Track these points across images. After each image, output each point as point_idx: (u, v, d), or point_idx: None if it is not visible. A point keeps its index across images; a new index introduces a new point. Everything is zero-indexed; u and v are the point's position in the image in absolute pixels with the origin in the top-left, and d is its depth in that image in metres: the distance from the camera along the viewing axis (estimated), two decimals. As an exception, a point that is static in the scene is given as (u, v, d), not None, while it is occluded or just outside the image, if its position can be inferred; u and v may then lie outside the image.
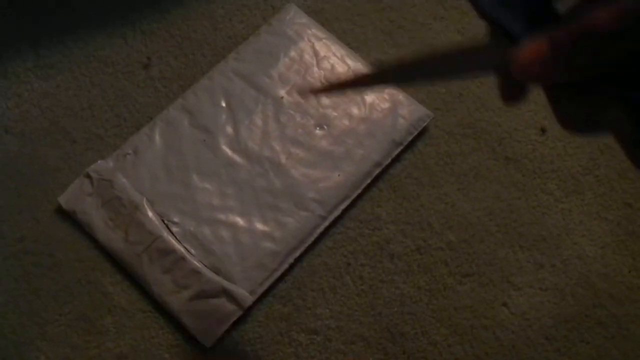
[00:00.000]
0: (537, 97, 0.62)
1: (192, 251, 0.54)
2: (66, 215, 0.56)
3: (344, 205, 0.56)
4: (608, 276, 0.56)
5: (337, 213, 0.56)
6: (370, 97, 0.60)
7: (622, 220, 0.58)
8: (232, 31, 0.64)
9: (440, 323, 0.54)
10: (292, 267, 0.55)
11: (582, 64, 0.22)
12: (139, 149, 0.57)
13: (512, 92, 0.28)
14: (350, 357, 0.53)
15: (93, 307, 0.54)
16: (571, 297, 0.55)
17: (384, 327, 0.54)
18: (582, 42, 0.21)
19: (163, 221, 0.55)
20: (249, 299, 0.53)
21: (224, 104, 0.59)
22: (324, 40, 0.62)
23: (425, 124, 0.59)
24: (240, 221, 0.55)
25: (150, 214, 0.55)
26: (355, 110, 0.59)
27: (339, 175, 0.57)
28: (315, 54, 0.62)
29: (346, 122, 0.59)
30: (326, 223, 0.56)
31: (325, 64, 0.61)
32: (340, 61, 0.61)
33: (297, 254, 0.55)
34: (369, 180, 0.57)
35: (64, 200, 0.56)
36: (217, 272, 0.53)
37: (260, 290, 0.53)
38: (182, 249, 0.54)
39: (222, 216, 0.55)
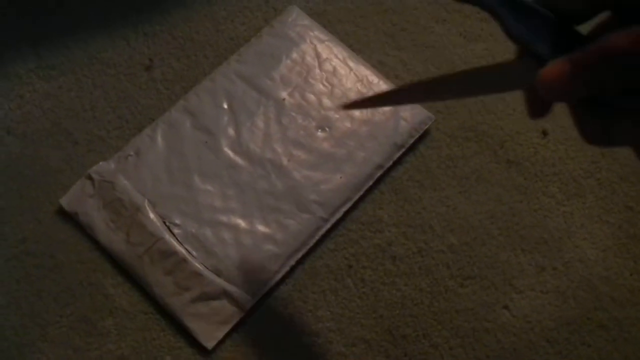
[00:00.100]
0: (538, 100, 0.62)
1: (194, 253, 0.54)
2: (68, 217, 0.56)
3: (345, 208, 0.56)
4: (609, 279, 0.56)
5: (338, 215, 0.56)
6: (372, 99, 0.60)
7: (624, 223, 0.58)
8: (234, 33, 0.64)
9: (442, 325, 0.54)
10: (293, 269, 0.55)
11: (601, 83, 0.24)
12: (140, 151, 0.57)
13: (538, 108, 0.30)
14: (352, 359, 0.53)
15: (94, 308, 0.54)
16: (573, 300, 0.55)
17: (386, 330, 0.54)
18: (601, 64, 0.23)
19: (164, 223, 0.55)
20: (250, 301, 0.53)
21: (225, 106, 0.59)
22: (326, 43, 0.62)
23: (427, 126, 0.59)
24: (241, 223, 0.55)
25: (151, 215, 0.55)
26: (356, 113, 0.59)
27: (340, 177, 0.57)
28: (317, 56, 0.62)
29: (348, 124, 0.59)
30: (328, 225, 0.56)
31: (327, 66, 0.61)
32: (342, 63, 0.61)
33: (299, 256, 0.55)
34: (370, 183, 0.57)
35: (65, 201, 0.56)
36: (218, 274, 0.53)
37: (262, 292, 0.53)
38: (184, 251, 0.54)
39: (223, 218, 0.55)
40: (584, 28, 0.29)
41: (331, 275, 0.55)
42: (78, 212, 0.55)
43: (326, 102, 0.60)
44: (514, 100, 0.62)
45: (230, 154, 0.57)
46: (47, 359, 0.52)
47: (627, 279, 0.56)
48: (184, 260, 0.53)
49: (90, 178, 0.56)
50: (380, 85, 0.61)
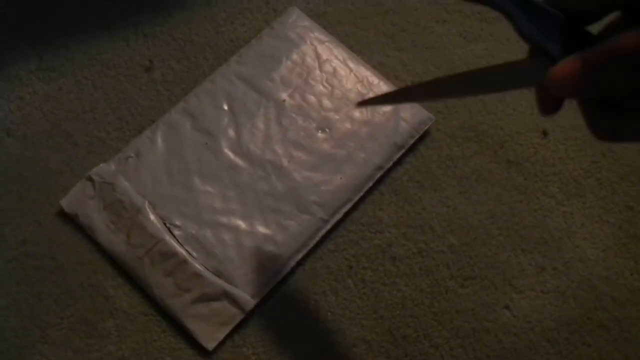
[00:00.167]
0: (538, 100, 0.62)
1: (194, 254, 0.54)
2: (68, 219, 0.56)
3: (345, 209, 0.57)
4: (610, 279, 0.56)
5: (339, 216, 0.56)
6: (372, 100, 0.60)
7: (624, 223, 0.58)
8: (234, 34, 0.64)
9: (442, 326, 0.54)
10: (293, 270, 0.55)
11: (611, 83, 0.25)
12: (141, 152, 0.58)
13: (549, 105, 0.31)
14: (352, 360, 0.53)
15: (95, 310, 0.54)
16: (573, 300, 0.55)
17: (386, 330, 0.54)
18: (611, 63, 0.24)
19: (165, 224, 0.55)
20: (250, 302, 0.53)
21: (226, 107, 0.59)
22: (326, 44, 0.63)
23: (427, 127, 0.60)
24: (242, 224, 0.55)
25: (152, 217, 0.55)
26: (357, 114, 0.59)
27: (340, 178, 0.57)
28: (317, 57, 0.62)
29: (348, 125, 0.59)
30: (328, 226, 0.56)
31: (327, 67, 0.61)
32: (343, 64, 0.61)
33: (299, 257, 0.55)
34: (370, 184, 0.57)
35: (65, 203, 0.56)
36: (219, 275, 0.53)
37: (262, 293, 0.53)
38: (184, 252, 0.54)
39: (224, 219, 0.55)
40: (594, 28, 0.29)
41: (331, 276, 0.55)
42: (78, 214, 0.55)
43: (326, 103, 0.60)
44: (514, 100, 0.62)
45: (231, 155, 0.58)
46: (47, 360, 0.52)
47: (627, 279, 0.56)
48: (185, 261, 0.53)
49: (90, 180, 0.56)
50: (381, 86, 0.61)
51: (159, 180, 0.56)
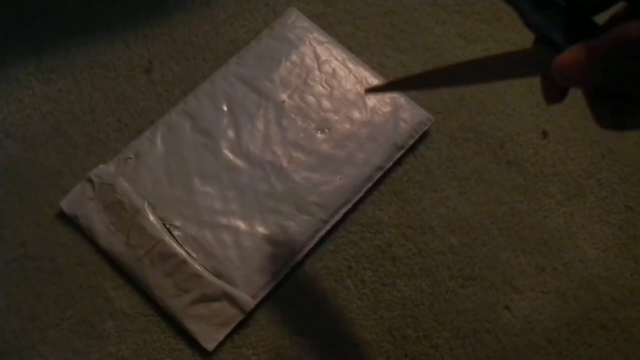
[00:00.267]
0: (538, 100, 0.62)
1: (194, 255, 0.54)
2: (68, 220, 0.56)
3: (345, 209, 0.56)
4: (610, 279, 0.56)
5: (338, 217, 0.56)
6: (371, 100, 0.60)
7: (624, 223, 0.58)
8: (233, 35, 0.64)
9: (442, 326, 0.54)
10: (293, 270, 0.55)
11: (615, 70, 0.25)
12: (140, 153, 0.57)
13: (554, 94, 0.31)
14: (352, 361, 0.53)
15: (94, 311, 0.54)
16: (573, 300, 0.55)
17: (386, 331, 0.54)
18: (615, 51, 0.25)
19: (164, 225, 0.55)
20: (250, 303, 0.53)
21: (225, 108, 0.59)
22: (325, 44, 0.63)
23: (426, 127, 0.59)
24: (241, 225, 0.55)
25: (151, 217, 0.55)
26: (356, 114, 0.59)
27: (340, 178, 0.57)
28: (317, 57, 0.62)
29: (347, 125, 0.59)
30: (328, 227, 0.56)
31: (327, 68, 0.61)
32: (342, 65, 0.61)
33: (299, 257, 0.55)
34: (370, 184, 0.57)
35: (65, 204, 0.56)
36: (218, 275, 0.53)
37: (262, 294, 0.53)
38: (184, 253, 0.54)
39: (223, 220, 0.55)
40: (600, 19, 0.30)
41: (331, 276, 0.55)
42: (78, 215, 0.55)
43: (326, 103, 0.60)
44: (514, 101, 0.62)
45: (230, 156, 0.58)
46: (47, 361, 0.52)
47: (627, 279, 0.56)
48: (184, 262, 0.53)
49: (90, 181, 0.56)
50: (380, 86, 0.61)
51: (159, 181, 0.56)
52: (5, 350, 0.52)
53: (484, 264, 0.56)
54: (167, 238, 0.54)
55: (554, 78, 0.27)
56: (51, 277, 0.55)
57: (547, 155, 0.60)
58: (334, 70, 0.61)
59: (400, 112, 0.60)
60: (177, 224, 0.55)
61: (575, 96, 0.34)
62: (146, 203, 0.55)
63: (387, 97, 0.60)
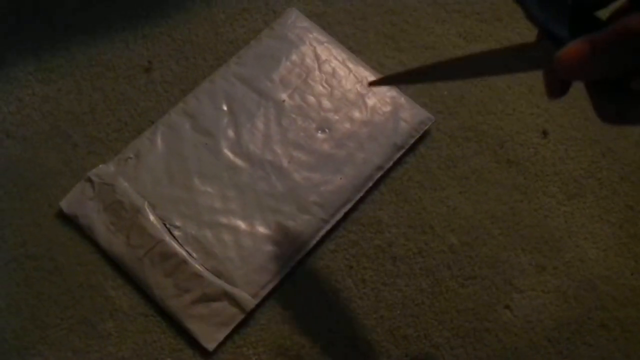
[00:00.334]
0: (538, 100, 0.62)
1: (194, 255, 0.54)
2: (67, 220, 0.56)
3: (345, 209, 0.56)
4: (610, 279, 0.56)
5: (339, 216, 0.56)
6: (371, 100, 0.60)
7: (624, 223, 0.58)
8: (233, 35, 0.64)
9: (443, 326, 0.54)
10: (294, 270, 0.55)
11: (617, 63, 0.25)
12: (140, 153, 0.57)
13: (557, 88, 0.31)
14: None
15: (95, 311, 0.54)
16: (573, 300, 0.55)
17: (387, 330, 0.54)
18: (617, 44, 0.25)
19: (165, 225, 0.55)
20: (251, 302, 0.53)
21: (225, 108, 0.59)
22: (325, 44, 0.63)
23: (426, 127, 0.59)
24: (242, 224, 0.55)
25: (151, 217, 0.55)
26: (356, 114, 0.59)
27: (340, 178, 0.57)
28: (317, 57, 0.62)
29: (348, 125, 0.59)
30: (328, 226, 0.56)
31: (327, 68, 0.61)
32: (342, 65, 0.61)
33: (299, 257, 0.55)
34: (370, 184, 0.57)
35: (65, 204, 0.56)
36: (218, 275, 0.53)
37: (263, 293, 0.53)
38: (184, 253, 0.54)
39: (223, 219, 0.55)
40: (603, 14, 0.30)
41: (332, 276, 0.55)
42: (78, 215, 0.55)
43: (326, 103, 0.60)
44: (514, 100, 0.62)
45: (230, 155, 0.57)
46: (47, 361, 0.52)
47: (628, 279, 0.56)
48: (184, 261, 0.53)
49: (89, 181, 0.56)
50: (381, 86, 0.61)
51: (159, 181, 0.56)
52: (6, 349, 0.52)
53: (484, 263, 0.56)
54: (168, 238, 0.54)
55: (556, 72, 0.27)
56: (51, 277, 0.54)
57: (548, 154, 0.60)
58: (334, 69, 0.61)
59: (401, 112, 0.60)
60: (178, 223, 0.55)
61: (575, 96, 0.34)
62: (146, 203, 0.55)
63: (388, 96, 0.60)
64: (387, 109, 0.60)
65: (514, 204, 0.58)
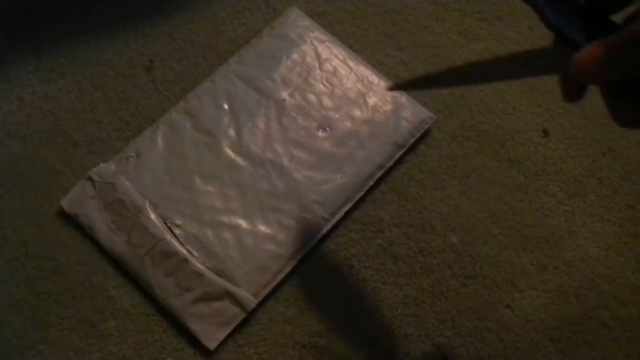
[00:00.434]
0: (539, 99, 0.62)
1: (195, 254, 0.54)
2: (68, 219, 0.56)
3: (346, 208, 0.56)
4: (611, 278, 0.56)
5: (339, 215, 0.56)
6: (372, 99, 0.60)
7: (625, 222, 0.58)
8: (234, 34, 0.64)
9: (444, 325, 0.54)
10: (295, 269, 0.55)
11: (632, 66, 0.26)
12: (141, 152, 0.57)
13: (573, 92, 0.32)
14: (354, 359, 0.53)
15: (96, 310, 0.53)
16: (575, 299, 0.55)
17: (388, 329, 0.54)
18: (631, 47, 0.25)
19: (166, 224, 0.55)
20: (252, 302, 0.53)
21: (226, 107, 0.59)
22: (326, 43, 0.62)
23: (427, 126, 0.59)
24: (243, 224, 0.55)
25: (152, 216, 0.55)
26: (357, 113, 0.59)
27: (341, 177, 0.57)
28: (318, 56, 0.62)
29: (348, 124, 0.59)
30: (329, 225, 0.56)
31: (328, 67, 0.61)
32: (343, 63, 0.61)
33: (300, 256, 0.55)
34: (371, 183, 0.57)
35: (66, 203, 0.56)
36: (220, 274, 0.53)
37: (264, 292, 0.53)
38: (185, 252, 0.54)
39: (224, 219, 0.55)
40: (618, 18, 0.30)
41: (332, 275, 0.55)
42: (79, 214, 0.55)
43: (327, 102, 0.60)
44: (514, 99, 0.62)
45: (231, 154, 0.57)
46: (48, 361, 0.52)
47: (629, 278, 0.56)
48: (186, 260, 0.53)
49: (90, 179, 0.56)
50: (381, 85, 0.61)
51: (160, 180, 0.56)
52: (7, 349, 0.52)
53: (485, 263, 0.56)
54: (169, 237, 0.54)
55: (572, 76, 0.28)
56: (52, 276, 0.54)
57: (548, 153, 0.60)
58: (334, 68, 0.61)
59: (402, 111, 0.60)
60: (179, 222, 0.55)
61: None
62: (147, 202, 0.55)
63: (388, 95, 0.60)
64: (388, 107, 0.60)
65: (514, 203, 0.58)
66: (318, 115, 0.59)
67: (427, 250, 0.56)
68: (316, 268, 0.55)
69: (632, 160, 0.60)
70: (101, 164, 0.57)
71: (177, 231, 0.54)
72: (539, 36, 0.64)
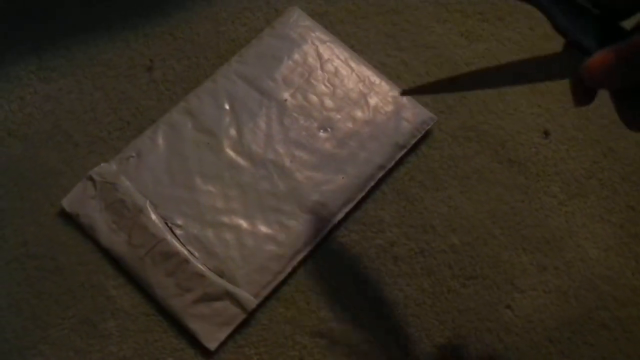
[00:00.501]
0: (540, 100, 0.62)
1: (196, 254, 0.54)
2: (69, 219, 0.56)
3: (347, 208, 0.56)
4: (611, 278, 0.56)
5: (340, 216, 0.56)
6: (373, 99, 0.60)
7: (626, 222, 0.58)
8: (235, 34, 0.64)
9: (444, 326, 0.54)
10: (295, 270, 0.55)
11: None
12: (142, 152, 0.57)
13: (583, 96, 0.32)
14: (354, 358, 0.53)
15: (96, 310, 0.53)
16: (575, 300, 0.55)
17: (388, 330, 0.54)
18: None
19: (166, 224, 0.55)
20: (252, 302, 0.53)
21: (227, 107, 0.59)
22: (327, 43, 0.62)
23: (428, 127, 0.59)
24: (243, 224, 0.55)
25: (153, 216, 0.55)
26: (358, 113, 0.59)
27: (342, 178, 0.57)
28: (319, 56, 0.62)
29: (350, 124, 0.59)
30: (330, 226, 0.56)
31: (329, 67, 0.61)
32: (344, 64, 0.61)
33: (301, 256, 0.55)
34: (372, 183, 0.57)
35: (66, 203, 0.56)
36: (220, 275, 0.53)
37: (264, 293, 0.53)
38: (186, 252, 0.54)
39: (225, 219, 0.55)
40: (628, 25, 0.31)
41: (333, 276, 0.55)
42: (79, 214, 0.55)
43: (328, 102, 0.60)
44: (515, 100, 0.62)
45: (232, 154, 0.57)
46: (49, 361, 0.52)
47: (629, 279, 0.56)
48: (186, 261, 0.53)
49: (91, 179, 0.56)
50: (382, 85, 0.61)
51: (161, 180, 0.56)
52: (7, 349, 0.52)
53: (485, 263, 0.56)
54: (169, 237, 0.54)
55: (583, 81, 0.28)
56: (52, 276, 0.54)
57: (549, 154, 0.60)
58: (336, 69, 0.61)
59: (403, 112, 0.60)
60: (179, 223, 0.55)
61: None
62: (148, 202, 0.55)
63: (389, 96, 0.60)
64: (389, 108, 0.60)
65: (515, 203, 0.59)
66: (319, 116, 0.59)
67: (427, 250, 0.56)
68: (317, 269, 0.55)
69: (633, 161, 0.60)
70: (102, 164, 0.57)
71: (177, 231, 0.54)
72: (539, 37, 0.64)
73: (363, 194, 0.57)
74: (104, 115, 0.60)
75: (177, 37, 0.64)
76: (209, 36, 0.64)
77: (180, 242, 0.54)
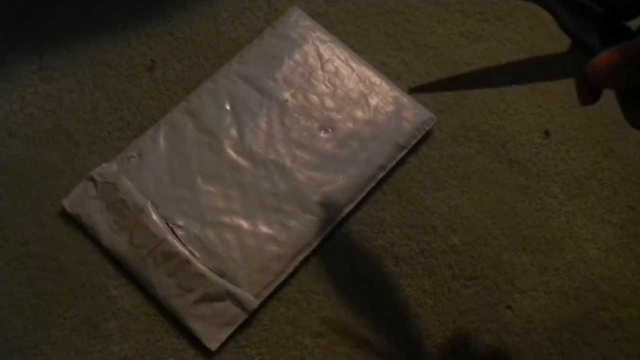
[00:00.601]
0: (540, 100, 0.62)
1: (197, 254, 0.54)
2: (70, 219, 0.56)
3: (348, 209, 0.56)
4: (612, 279, 0.56)
5: (341, 216, 0.56)
6: (374, 100, 0.60)
7: (626, 223, 0.58)
8: (235, 34, 0.64)
9: (445, 326, 0.54)
10: (296, 270, 0.55)
11: None
12: (143, 152, 0.57)
13: (588, 95, 0.32)
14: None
15: (97, 310, 0.54)
16: (575, 300, 0.56)
17: (389, 331, 0.54)
18: None
19: (167, 224, 0.55)
20: (253, 302, 0.53)
21: (228, 107, 0.59)
22: (328, 43, 0.62)
23: (429, 127, 0.60)
24: (244, 224, 0.55)
25: (154, 217, 0.55)
26: (359, 113, 0.59)
27: (343, 178, 0.57)
28: (320, 56, 0.62)
29: (350, 125, 0.59)
30: (331, 226, 0.56)
31: (330, 67, 0.61)
32: (345, 64, 0.61)
33: (302, 257, 0.55)
34: (373, 184, 0.57)
35: (67, 203, 0.56)
36: (221, 275, 0.53)
37: (265, 293, 0.53)
38: (187, 252, 0.54)
39: (226, 219, 0.55)
40: (633, 25, 0.31)
41: (334, 276, 0.55)
42: (80, 214, 0.55)
43: (329, 103, 0.60)
44: (516, 100, 0.62)
45: (233, 155, 0.57)
46: (50, 361, 0.52)
47: (629, 279, 0.56)
48: (187, 261, 0.53)
49: (92, 180, 0.56)
50: (383, 85, 0.61)
51: (162, 180, 0.56)
52: (8, 349, 0.52)
53: (486, 264, 0.56)
54: (170, 237, 0.54)
55: (588, 80, 0.29)
56: (54, 276, 0.54)
57: (549, 154, 0.60)
58: (336, 69, 0.61)
59: (403, 112, 0.60)
60: (180, 223, 0.55)
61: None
62: (149, 202, 0.55)
63: (390, 96, 0.60)
64: (390, 108, 0.60)
65: (515, 204, 0.59)
66: (320, 116, 0.59)
67: (428, 251, 0.57)
68: (318, 269, 0.55)
69: (633, 162, 0.60)
70: (103, 164, 0.57)
71: (179, 232, 0.54)
72: (540, 37, 0.64)
73: (364, 194, 0.57)
74: (105, 115, 0.60)
75: (177, 37, 0.64)
76: (210, 36, 0.64)
77: (181, 242, 0.54)
